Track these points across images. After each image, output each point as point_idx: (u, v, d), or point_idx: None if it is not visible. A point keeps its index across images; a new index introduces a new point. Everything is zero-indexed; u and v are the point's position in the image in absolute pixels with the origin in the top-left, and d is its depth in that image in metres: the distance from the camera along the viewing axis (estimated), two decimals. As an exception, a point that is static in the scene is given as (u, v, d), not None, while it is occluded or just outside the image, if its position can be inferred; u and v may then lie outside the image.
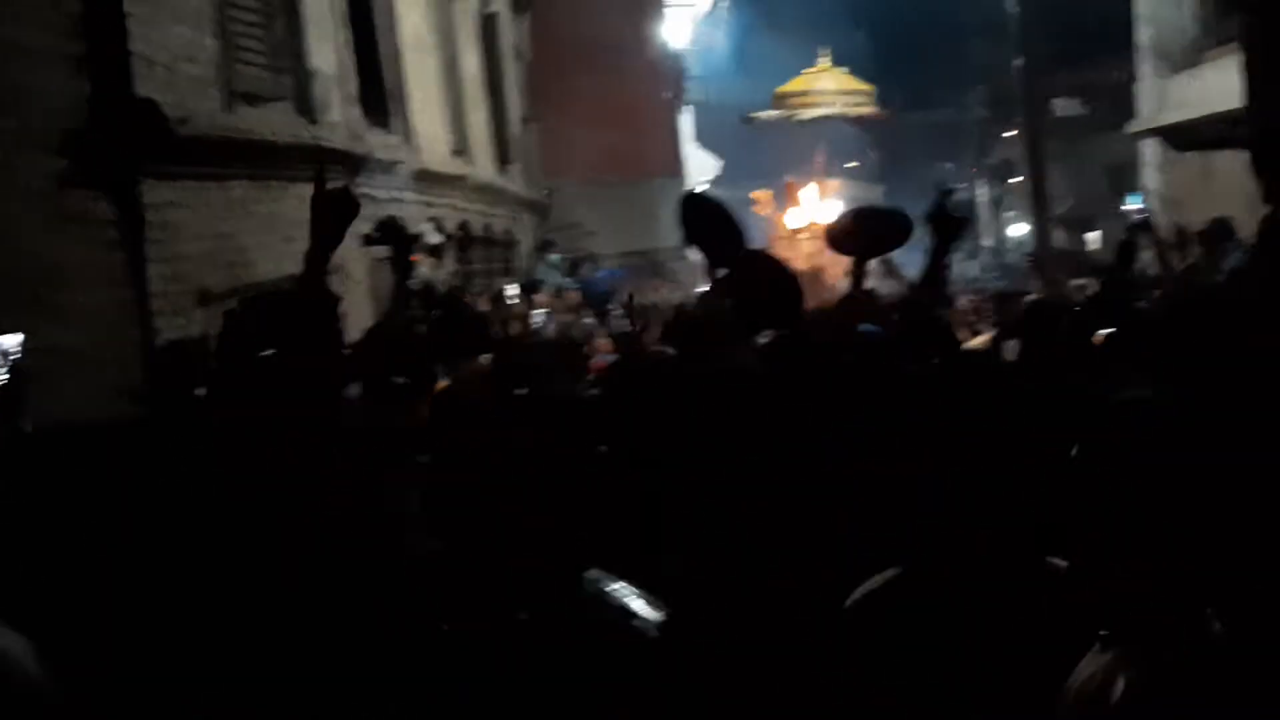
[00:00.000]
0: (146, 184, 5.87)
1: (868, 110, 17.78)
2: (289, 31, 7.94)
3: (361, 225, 8.72)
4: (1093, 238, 11.59)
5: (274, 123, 7.43)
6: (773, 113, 17.89)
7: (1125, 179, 17.90)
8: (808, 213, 15.53)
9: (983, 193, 32.69)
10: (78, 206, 5.40)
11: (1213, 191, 11.44)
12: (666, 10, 21.22)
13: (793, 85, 17.76)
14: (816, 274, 13.56)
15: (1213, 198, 10.81)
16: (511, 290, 10.08)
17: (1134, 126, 14.08)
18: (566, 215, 18.59)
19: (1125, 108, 15.00)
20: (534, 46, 18.30)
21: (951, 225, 3.70)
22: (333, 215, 2.58)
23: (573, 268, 14.97)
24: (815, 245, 14.90)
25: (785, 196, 16.17)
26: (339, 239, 2.71)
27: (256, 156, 7.05)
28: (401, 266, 5.59)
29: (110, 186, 5.65)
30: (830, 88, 17.28)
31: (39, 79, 5.21)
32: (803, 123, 17.56)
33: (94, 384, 5.33)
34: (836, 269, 13.98)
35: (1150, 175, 13.80)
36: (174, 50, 6.26)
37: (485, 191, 13.35)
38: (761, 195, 16.03)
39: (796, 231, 15.20)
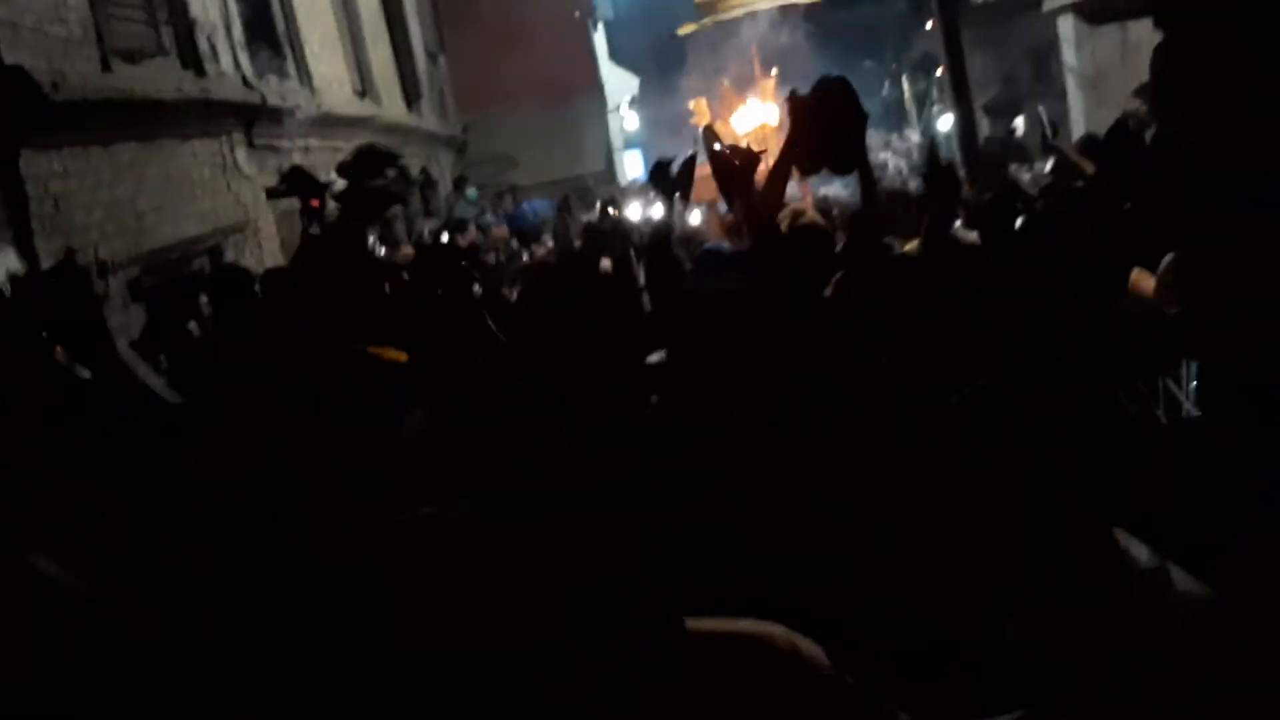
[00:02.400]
0: (25, 155, 5.53)
1: None
2: (165, -19, 7.52)
3: (266, 178, 8.41)
4: (1019, 123, 11.52)
5: (157, 79, 7.04)
6: (703, 21, 17.41)
7: (1047, 60, 17.81)
8: (754, 116, 15.20)
9: (908, 88, 32.50)
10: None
11: (1132, 65, 11.35)
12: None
13: None
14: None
15: (1133, 71, 10.70)
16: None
17: (1049, 4, 13.97)
18: (486, 148, 18.20)
19: (1039, -13, 14.84)
20: (434, -25, 17.74)
21: None
22: None
23: (497, 201, 14.66)
24: (763, 150, 14.66)
25: (722, 104, 15.86)
26: None
27: (142, 116, 6.69)
28: (311, 217, 5.33)
29: (-15, 162, 5.31)
30: None
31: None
32: (736, 20, 17.05)
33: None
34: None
35: (1069, 53, 13.69)
36: (39, 12, 5.90)
37: (395, 131, 12.94)
38: (699, 106, 15.73)
39: (744, 136, 14.95)
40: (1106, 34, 12.61)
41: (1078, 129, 11.57)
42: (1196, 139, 2.44)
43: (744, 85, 17.10)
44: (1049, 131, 7.28)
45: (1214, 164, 2.36)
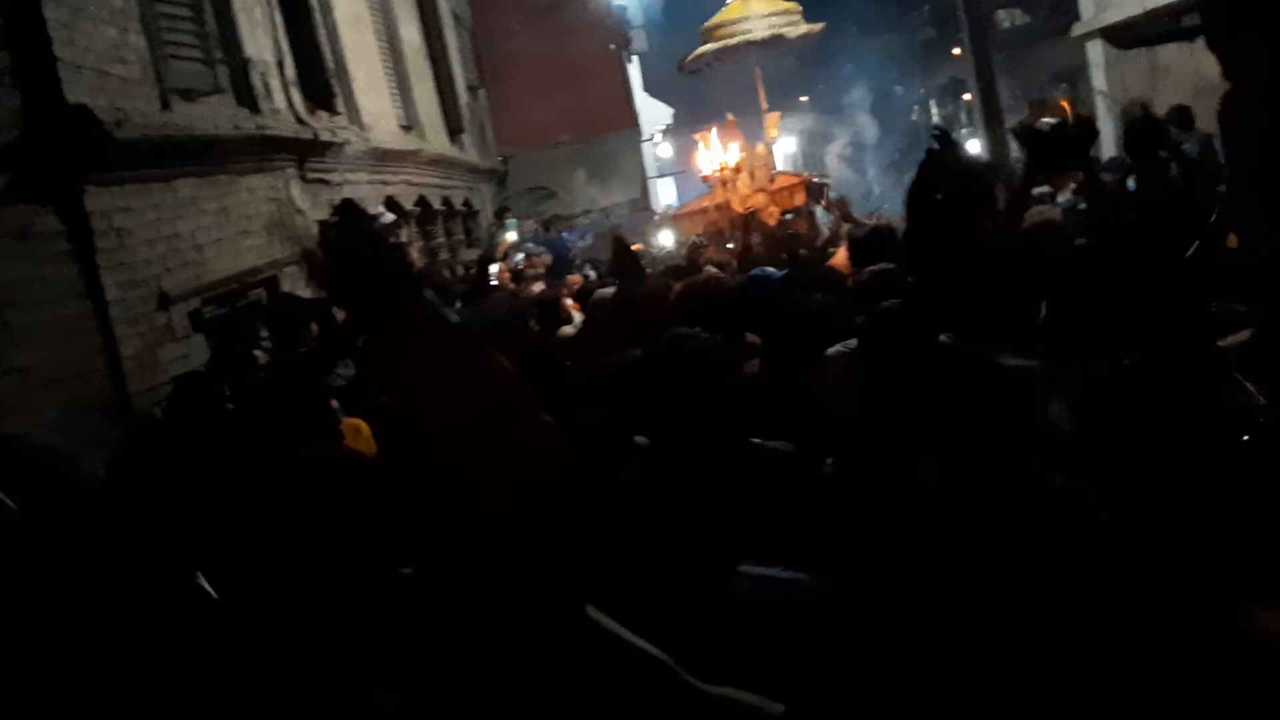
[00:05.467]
0: (89, 192, 5.76)
1: (799, 29, 17.31)
2: (220, 22, 7.78)
3: (318, 211, 8.66)
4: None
5: (214, 116, 7.30)
6: (705, 48, 17.50)
7: (1075, 84, 17.89)
8: (732, 153, 15.29)
9: (935, 113, 32.64)
10: (21, 223, 5.29)
11: (1162, 87, 11.45)
12: (604, -38, 21.02)
13: (719, 18, 17.29)
14: (753, 214, 13.42)
15: (1162, 93, 10.81)
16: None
17: (1078, 29, 14.07)
18: (525, 180, 18.49)
19: (1068, 12, 14.97)
20: (474, 13, 18.08)
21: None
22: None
23: (543, 230, 14.94)
24: (749, 184, 14.71)
25: (729, 136, 15.93)
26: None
27: (199, 152, 6.93)
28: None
29: (53, 199, 5.54)
30: (757, 12, 16.80)
31: (-36, 97, 5.10)
32: (737, 47, 17.08)
33: (63, 400, 5.27)
34: (773, 208, 13.87)
35: (1098, 77, 13.80)
36: (101, 52, 6.12)
37: (439, 164, 13.22)
38: (704, 138, 15.86)
39: (723, 170, 14.98)
40: (1135, 58, 12.71)
41: (1108, 152, 11.65)
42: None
43: (758, 114, 17.21)
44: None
45: None
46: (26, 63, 5.46)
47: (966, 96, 26.24)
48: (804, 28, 17.07)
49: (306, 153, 8.52)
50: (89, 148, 5.71)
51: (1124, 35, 12.70)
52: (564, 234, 15.09)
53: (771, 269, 4.75)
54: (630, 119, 21.51)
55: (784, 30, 16.85)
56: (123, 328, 5.86)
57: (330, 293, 2.97)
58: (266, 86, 8.16)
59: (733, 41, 16.72)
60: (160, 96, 6.70)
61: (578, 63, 19.24)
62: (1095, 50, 13.61)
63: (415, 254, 11.40)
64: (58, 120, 5.54)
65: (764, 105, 16.81)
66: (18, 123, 5.35)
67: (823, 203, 12.94)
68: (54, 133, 5.51)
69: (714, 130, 15.86)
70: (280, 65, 8.55)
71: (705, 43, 17.24)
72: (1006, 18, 25.89)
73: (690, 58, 17.71)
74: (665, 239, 16.06)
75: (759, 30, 16.54)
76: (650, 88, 23.61)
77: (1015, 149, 17.38)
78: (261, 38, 8.29)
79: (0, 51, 5.35)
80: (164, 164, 6.51)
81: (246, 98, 7.89)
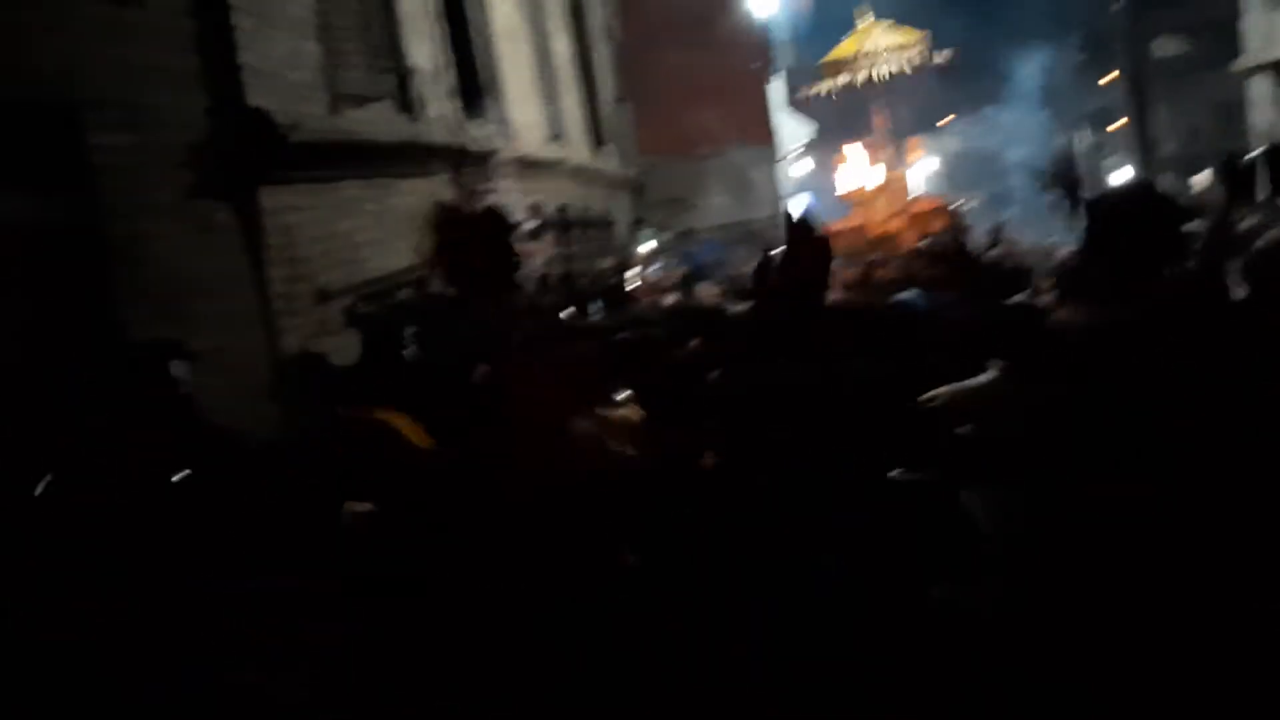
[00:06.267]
0: (264, 190, 6.11)
1: (924, 60, 16.83)
2: (386, 32, 8.15)
3: (466, 216, 8.89)
4: (1200, 180, 11.26)
5: (377, 122, 7.65)
6: (823, 84, 17.14)
7: (1233, 119, 17.33)
8: (867, 175, 15.12)
9: (1082, 140, 31.92)
10: (204, 217, 5.65)
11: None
12: (751, -19, 21.15)
13: (839, 52, 16.87)
14: (891, 237, 13.26)
15: (1328, 134, 10.45)
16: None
17: (1241, 64, 13.65)
18: (662, 192, 18.68)
19: (1230, 45, 14.53)
20: (622, 25, 18.36)
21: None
22: None
23: (675, 243, 15.10)
24: (889, 207, 14.53)
25: (871, 154, 15.78)
26: None
27: (363, 156, 7.27)
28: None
29: (231, 195, 5.90)
30: (880, 45, 16.32)
31: (162, 96, 5.45)
32: (857, 87, 16.75)
33: (229, 386, 5.60)
34: (912, 232, 13.69)
35: (1259, 114, 13.35)
36: (280, 59, 6.47)
37: (581, 174, 13.49)
38: (841, 158, 15.73)
39: (859, 192, 14.80)
40: (1301, 96, 12.29)
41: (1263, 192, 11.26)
42: None
43: (904, 136, 16.99)
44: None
45: None
46: (214, 68, 5.84)
47: (1115, 125, 25.58)
48: (931, 58, 16.64)
49: (459, 160, 8.83)
50: (266, 149, 6.05)
51: (1291, 71, 12.30)
52: (696, 248, 15.24)
53: (916, 294, 4.82)
54: (767, 135, 21.61)
55: (906, 65, 16.41)
56: (284, 319, 6.18)
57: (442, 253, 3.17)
58: (426, 95, 8.50)
59: (848, 80, 16.34)
60: (330, 102, 7.06)
61: (720, 78, 19.40)
62: (1260, 85, 13.17)
63: (554, 261, 11.67)
64: (239, 122, 5.91)
65: (877, 129, 16.41)
66: (204, 123, 5.72)
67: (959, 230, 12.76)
68: (235, 133, 5.87)
69: (849, 148, 15.76)
70: (439, 75, 8.89)
71: (824, 77, 16.89)
72: (1161, 47, 25.18)
73: (804, 95, 17.44)
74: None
75: (879, 67, 16.16)
76: (793, 104, 23.67)
77: (1169, 182, 16.89)
78: (423, 48, 8.64)
79: (193, 56, 5.72)
80: (331, 166, 6.84)
81: (407, 105, 8.23)
